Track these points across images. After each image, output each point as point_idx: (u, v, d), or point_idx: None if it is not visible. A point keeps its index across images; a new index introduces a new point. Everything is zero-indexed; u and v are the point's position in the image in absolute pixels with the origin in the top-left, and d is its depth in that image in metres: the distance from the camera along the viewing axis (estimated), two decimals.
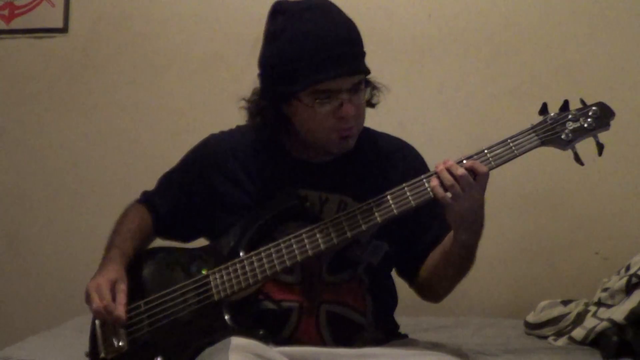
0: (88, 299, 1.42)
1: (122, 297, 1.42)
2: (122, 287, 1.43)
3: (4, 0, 2.76)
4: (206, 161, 1.56)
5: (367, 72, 1.41)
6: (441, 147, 2.23)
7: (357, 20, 1.47)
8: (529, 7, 2.46)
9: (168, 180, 1.63)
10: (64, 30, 2.73)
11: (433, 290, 1.53)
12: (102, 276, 1.44)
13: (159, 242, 1.63)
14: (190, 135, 1.68)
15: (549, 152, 1.36)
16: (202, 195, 1.54)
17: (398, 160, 1.53)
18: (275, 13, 1.42)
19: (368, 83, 1.45)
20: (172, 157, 1.67)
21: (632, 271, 1.88)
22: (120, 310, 1.40)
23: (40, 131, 2.76)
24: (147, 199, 1.63)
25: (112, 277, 1.43)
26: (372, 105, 1.50)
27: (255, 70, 1.48)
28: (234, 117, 1.57)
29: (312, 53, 1.35)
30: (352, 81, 1.38)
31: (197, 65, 2.65)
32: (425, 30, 2.51)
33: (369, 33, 1.36)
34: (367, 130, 1.55)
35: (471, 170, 1.29)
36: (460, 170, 1.28)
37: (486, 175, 1.30)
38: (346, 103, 1.38)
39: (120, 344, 1.42)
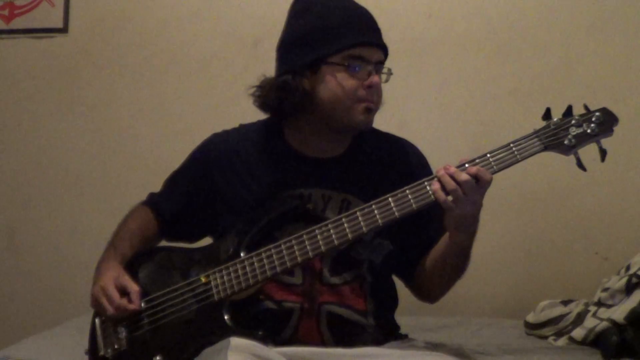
0: (99, 307, 1.44)
1: (131, 286, 1.44)
2: (126, 278, 1.45)
3: (4, 0, 2.76)
4: (210, 161, 1.56)
5: (386, 49, 1.49)
6: (441, 147, 2.23)
7: None
8: (529, 7, 2.46)
9: (173, 181, 1.63)
10: (64, 30, 2.73)
11: (429, 291, 1.54)
12: (104, 279, 1.45)
13: (162, 242, 1.63)
14: (190, 135, 1.68)
15: (550, 154, 1.36)
16: (206, 194, 1.55)
17: (401, 159, 1.54)
18: None
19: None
20: (172, 156, 1.67)
21: (632, 271, 1.88)
22: (132, 305, 1.42)
23: (40, 131, 2.76)
24: (152, 201, 1.63)
25: (114, 275, 1.45)
26: None
27: (255, 71, 1.48)
28: (234, 116, 1.58)
29: (349, 20, 1.44)
30: (379, 56, 1.47)
31: (197, 65, 2.65)
32: (425, 30, 2.51)
33: None
34: (372, 130, 1.55)
35: (475, 177, 1.29)
36: (464, 176, 1.28)
37: (489, 182, 1.30)
38: (375, 73, 1.44)
39: (120, 342, 1.43)
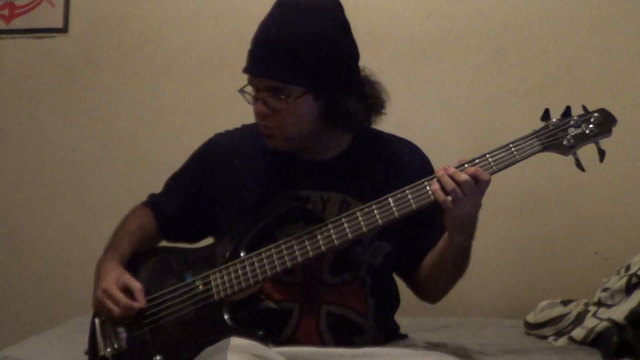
0: (103, 310, 1.44)
1: (134, 284, 1.44)
2: (128, 277, 1.45)
3: (4, 0, 2.76)
4: (211, 161, 1.56)
5: (274, 78, 1.38)
6: (441, 147, 2.22)
7: (357, 20, 1.46)
8: (529, 7, 2.46)
9: (174, 182, 1.63)
10: (64, 30, 2.73)
11: (430, 291, 1.54)
12: (105, 281, 1.44)
13: (162, 243, 1.63)
14: (190, 136, 1.68)
15: (549, 154, 1.36)
16: (207, 195, 1.55)
17: (402, 161, 1.53)
18: None
19: (333, 104, 1.41)
20: (171, 156, 1.67)
21: (632, 271, 1.88)
22: (137, 303, 1.42)
23: (40, 131, 2.76)
24: (153, 202, 1.63)
25: (115, 276, 1.45)
26: (346, 128, 1.47)
27: None
28: (234, 116, 1.57)
29: (253, 43, 1.41)
30: (263, 83, 1.39)
31: (197, 65, 2.65)
32: (425, 30, 2.51)
33: (369, 33, 1.37)
34: (372, 131, 1.55)
35: (474, 177, 1.29)
36: (463, 176, 1.29)
37: (488, 182, 1.30)
38: (257, 101, 1.41)
39: (120, 342, 1.43)
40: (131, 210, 1.63)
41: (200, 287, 1.42)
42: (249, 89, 1.43)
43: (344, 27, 1.43)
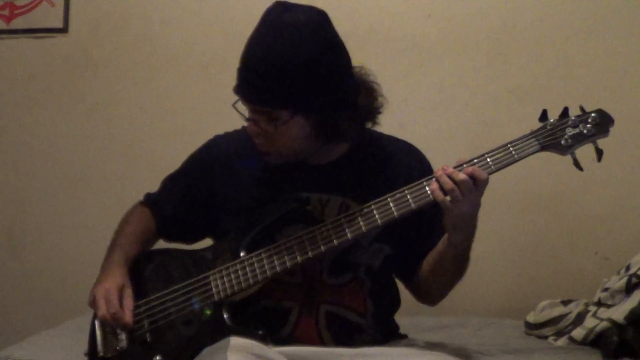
0: (94, 304, 1.43)
1: (129, 303, 1.43)
2: (129, 292, 1.44)
3: (4, 0, 2.76)
4: (210, 163, 1.56)
5: (265, 104, 1.38)
6: (441, 147, 2.22)
7: (357, 20, 1.46)
8: (529, 7, 2.46)
9: (172, 182, 1.63)
10: (64, 30, 2.73)
11: (429, 293, 1.54)
12: (109, 281, 1.44)
13: (161, 244, 1.63)
14: (190, 136, 1.68)
15: (549, 154, 1.36)
16: (205, 197, 1.55)
17: (401, 162, 1.52)
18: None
19: (326, 121, 1.40)
20: (171, 157, 1.67)
21: (632, 271, 1.87)
22: (128, 317, 1.41)
23: (40, 131, 2.76)
24: (150, 202, 1.63)
25: (120, 282, 1.44)
26: (342, 139, 1.47)
27: None
28: (233, 117, 1.57)
29: (239, 65, 1.39)
30: (253, 107, 1.40)
31: (197, 65, 2.65)
32: (425, 30, 2.51)
33: (369, 33, 1.36)
34: (372, 133, 1.55)
35: (472, 177, 1.29)
36: (462, 176, 1.29)
37: (486, 182, 1.31)
38: (250, 122, 1.42)
39: (120, 343, 1.43)
40: (130, 210, 1.63)
41: (208, 312, 1.42)
42: (241, 107, 1.43)
43: (331, 42, 1.39)
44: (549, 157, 1.39)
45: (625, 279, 1.87)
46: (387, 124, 1.60)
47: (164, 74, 2.67)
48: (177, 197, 1.60)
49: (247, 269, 1.40)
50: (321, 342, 1.42)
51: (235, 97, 1.43)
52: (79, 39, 2.73)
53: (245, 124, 1.46)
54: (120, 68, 2.71)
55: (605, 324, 1.78)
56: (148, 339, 1.43)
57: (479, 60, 2.47)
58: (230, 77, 1.49)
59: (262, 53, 1.35)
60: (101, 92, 2.72)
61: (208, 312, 1.42)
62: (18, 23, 2.76)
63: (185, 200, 1.59)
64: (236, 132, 1.60)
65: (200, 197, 1.56)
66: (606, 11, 2.40)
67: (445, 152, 1.81)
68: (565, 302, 2.09)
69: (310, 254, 1.37)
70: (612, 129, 1.35)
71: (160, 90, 2.68)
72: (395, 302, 1.57)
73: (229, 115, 1.56)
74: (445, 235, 1.39)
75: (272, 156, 1.46)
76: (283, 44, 1.34)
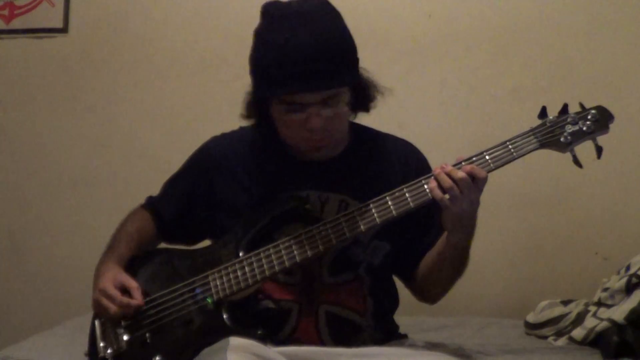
0: (101, 309, 1.43)
1: (130, 283, 1.43)
2: (124, 276, 1.45)
3: (4, 0, 2.76)
4: (208, 164, 1.56)
5: (342, 85, 1.37)
6: (441, 147, 2.22)
7: (357, 20, 1.46)
8: (529, 7, 2.46)
9: (172, 185, 1.63)
10: (64, 30, 2.73)
11: (429, 292, 1.54)
12: (102, 281, 1.44)
13: (160, 244, 1.63)
14: (190, 136, 1.68)
15: (549, 153, 1.36)
16: (205, 198, 1.55)
17: (400, 161, 1.53)
18: (262, 14, 1.41)
19: (361, 89, 1.44)
20: (171, 157, 1.67)
21: (632, 271, 1.87)
22: (134, 300, 1.41)
23: (40, 131, 2.76)
24: (151, 205, 1.63)
25: (110, 275, 1.45)
26: (367, 110, 1.50)
27: None
28: (233, 117, 1.57)
29: (280, 65, 1.33)
30: (321, 95, 1.36)
31: (197, 65, 2.65)
32: (425, 30, 2.51)
33: (369, 33, 1.37)
34: (370, 131, 1.55)
35: (471, 175, 1.29)
36: (460, 174, 1.29)
37: (485, 179, 1.30)
38: (313, 116, 1.37)
39: (120, 344, 1.42)
40: (130, 213, 1.63)
41: (209, 300, 1.42)
42: (278, 110, 1.39)
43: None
44: (549, 157, 1.38)
45: (625, 279, 1.86)
46: (387, 124, 1.60)
47: (164, 74, 2.67)
48: (177, 199, 1.60)
49: (246, 268, 1.40)
50: (320, 342, 1.42)
51: (227, 97, 1.42)
52: (79, 39, 2.73)
53: (244, 124, 1.46)
54: (120, 68, 2.71)
55: (605, 324, 1.78)
56: (148, 340, 1.42)
57: (479, 60, 2.47)
58: (231, 77, 1.50)
59: (318, 38, 1.33)
60: (101, 92, 2.72)
61: (210, 300, 1.41)
62: (18, 23, 2.76)
63: (185, 202, 1.59)
64: (233, 132, 1.61)
65: (200, 199, 1.56)
66: (606, 11, 2.40)
67: (445, 152, 1.80)
68: (565, 302, 2.09)
69: (309, 254, 1.37)
70: (612, 126, 1.34)
71: (160, 90, 2.68)
72: (394, 302, 1.58)
73: (229, 115, 1.56)
74: (445, 234, 1.39)
75: (325, 149, 1.46)
76: (327, 25, 1.36)
